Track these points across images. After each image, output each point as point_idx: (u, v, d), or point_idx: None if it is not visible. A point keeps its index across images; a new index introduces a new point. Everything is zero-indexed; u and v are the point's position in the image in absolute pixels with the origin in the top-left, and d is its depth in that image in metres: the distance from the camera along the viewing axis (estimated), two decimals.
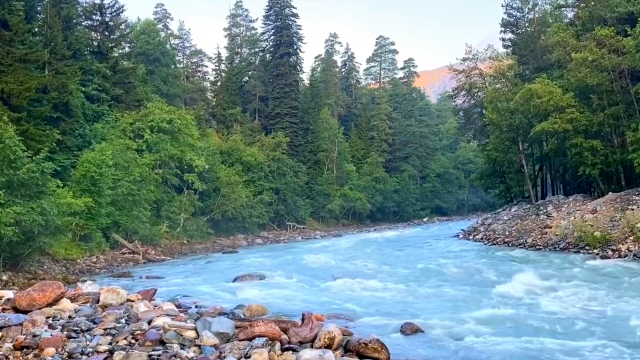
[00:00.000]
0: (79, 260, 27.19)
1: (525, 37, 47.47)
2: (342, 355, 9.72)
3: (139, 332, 10.13)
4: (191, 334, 10.06)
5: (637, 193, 29.14)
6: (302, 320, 10.86)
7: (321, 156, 65.30)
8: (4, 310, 11.17)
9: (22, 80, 28.64)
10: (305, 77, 78.31)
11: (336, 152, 66.16)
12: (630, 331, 11.49)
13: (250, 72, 71.66)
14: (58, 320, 10.85)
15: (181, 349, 9.49)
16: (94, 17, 43.38)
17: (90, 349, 9.24)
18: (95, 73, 38.70)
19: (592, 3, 36.38)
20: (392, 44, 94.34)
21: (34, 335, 9.63)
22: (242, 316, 12.80)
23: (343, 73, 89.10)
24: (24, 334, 9.76)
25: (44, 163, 23.15)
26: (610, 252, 24.36)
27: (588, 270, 20.90)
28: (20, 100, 28.28)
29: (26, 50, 30.12)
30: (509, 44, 49.92)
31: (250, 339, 9.89)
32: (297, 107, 65.18)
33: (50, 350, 9.02)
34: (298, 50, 68.53)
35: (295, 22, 68.31)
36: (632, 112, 31.72)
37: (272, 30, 68.62)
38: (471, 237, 39.09)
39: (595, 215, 28.83)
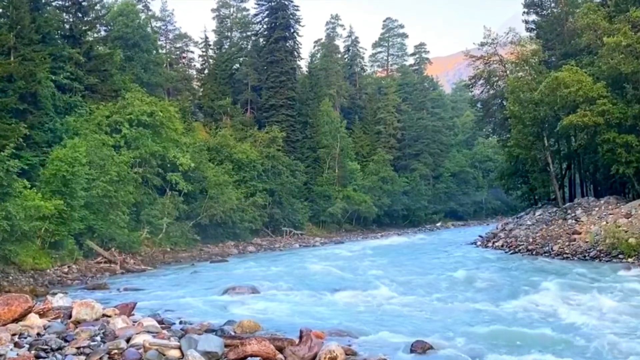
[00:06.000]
0: (48, 271, 27.16)
1: (551, 19, 47.42)
2: None
3: (116, 351, 10.14)
4: (175, 353, 10.07)
5: None
6: (300, 337, 10.87)
7: (321, 153, 65.30)
8: None
9: None
10: (303, 64, 78.38)
11: (338, 149, 66.15)
12: None
13: (241, 59, 71.59)
14: (25, 337, 10.85)
15: None
16: None
17: None
18: (67, 60, 38.66)
19: None
20: (401, 26, 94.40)
21: None
22: (233, 333, 12.82)
23: (346, 60, 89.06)
24: None
25: (9, 161, 23.20)
26: None
27: (622, 281, 20.91)
28: None
29: None
30: (533, 26, 49.88)
31: (242, 359, 9.89)
32: (294, 97, 65.15)
33: None
34: (295, 34, 68.48)
35: (292, 2, 68.24)
36: None
37: (266, 12, 68.57)
38: (490, 244, 39.13)
39: (629, 219, 28.84)
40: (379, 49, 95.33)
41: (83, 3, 43.60)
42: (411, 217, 76.26)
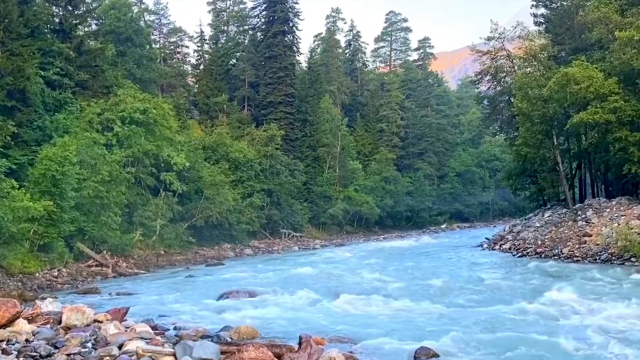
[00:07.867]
0: (37, 274, 27.16)
1: (560, 12, 47.40)
2: None
3: (107, 358, 10.14)
4: None
5: None
6: (300, 344, 10.87)
7: (321, 152, 65.32)
8: None
9: None
10: (302, 59, 78.41)
11: (339, 148, 66.18)
12: None
13: (238, 54, 71.65)
14: (13, 344, 10.85)
15: None
16: None
17: None
18: (56, 55, 38.66)
19: None
20: (405, 20, 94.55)
21: None
22: (229, 339, 12.82)
23: (347, 55, 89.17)
24: None
25: None
26: None
27: (635, 285, 20.91)
28: None
29: None
30: (542, 20, 49.86)
31: None
32: (293, 94, 65.17)
33: None
34: (294, 28, 68.51)
35: None
36: None
37: (264, 5, 68.58)
38: (497, 246, 39.15)
39: None
40: (382, 44, 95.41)
41: None
42: (415, 219, 76.29)
